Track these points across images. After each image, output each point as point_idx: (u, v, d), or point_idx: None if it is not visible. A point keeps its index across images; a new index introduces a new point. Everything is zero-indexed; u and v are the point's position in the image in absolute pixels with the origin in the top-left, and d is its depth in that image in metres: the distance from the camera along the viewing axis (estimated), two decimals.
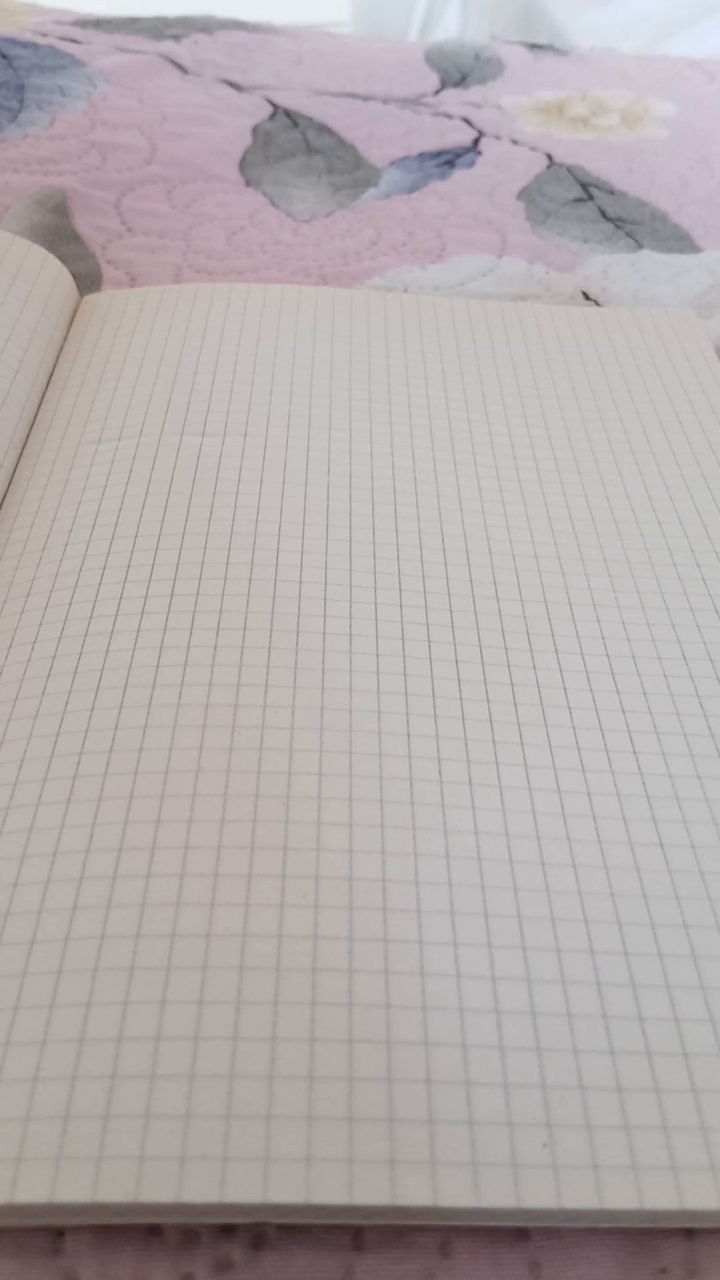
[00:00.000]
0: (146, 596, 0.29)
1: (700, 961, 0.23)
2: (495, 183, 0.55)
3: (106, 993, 0.22)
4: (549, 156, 0.58)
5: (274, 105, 0.60)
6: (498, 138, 0.59)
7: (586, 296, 0.48)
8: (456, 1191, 0.20)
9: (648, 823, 0.26)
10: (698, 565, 0.33)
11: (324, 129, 0.59)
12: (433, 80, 0.65)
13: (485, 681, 0.29)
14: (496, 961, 0.23)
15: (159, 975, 0.22)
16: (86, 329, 0.41)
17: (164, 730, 0.26)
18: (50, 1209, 0.20)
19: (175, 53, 0.65)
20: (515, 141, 0.59)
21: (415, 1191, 0.20)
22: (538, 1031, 0.22)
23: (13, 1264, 0.20)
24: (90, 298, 0.44)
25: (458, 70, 0.67)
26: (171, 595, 0.30)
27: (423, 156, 0.57)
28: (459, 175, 0.56)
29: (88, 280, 0.46)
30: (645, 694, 0.29)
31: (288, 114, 0.60)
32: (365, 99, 0.62)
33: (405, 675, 0.28)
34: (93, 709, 0.27)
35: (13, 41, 0.63)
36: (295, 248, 0.49)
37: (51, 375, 0.40)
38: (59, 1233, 0.21)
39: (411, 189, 0.54)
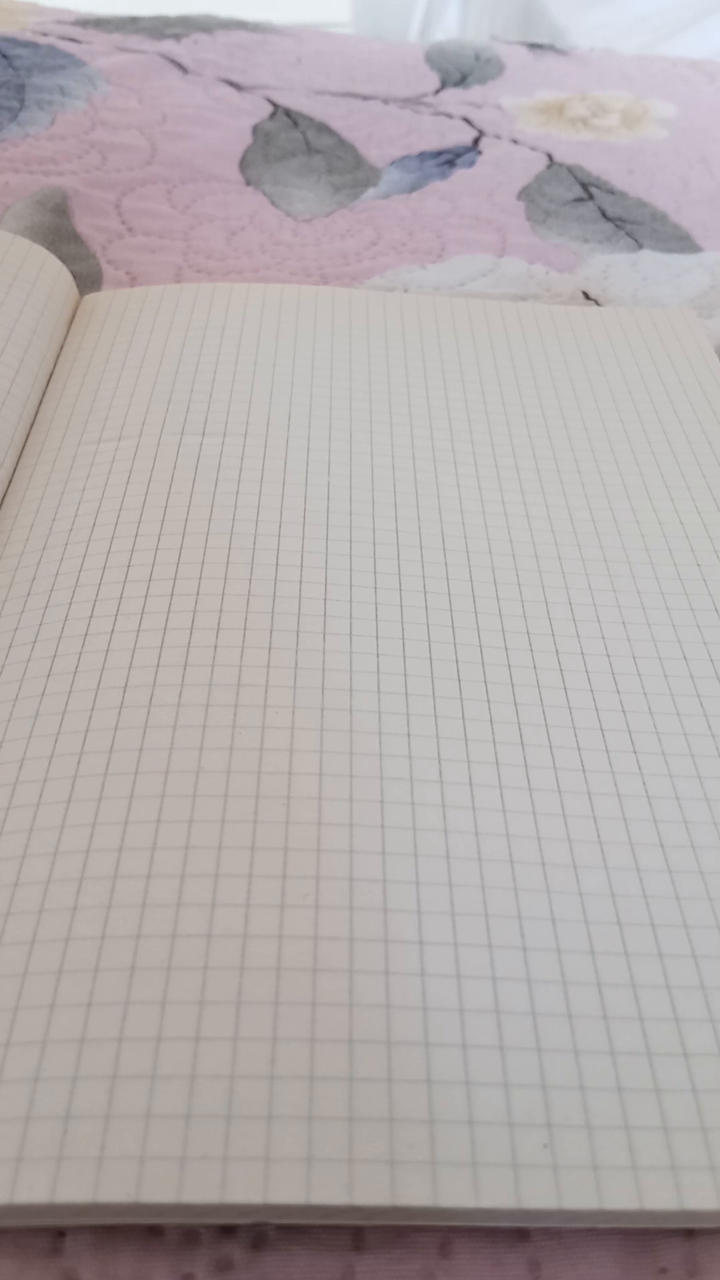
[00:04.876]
0: (146, 596, 0.29)
1: (700, 961, 0.23)
2: (495, 183, 0.55)
3: (107, 993, 0.22)
4: (549, 156, 0.58)
5: (274, 105, 0.60)
6: (498, 137, 0.59)
7: (586, 296, 0.48)
8: (456, 1192, 0.20)
9: (648, 823, 0.26)
10: (698, 565, 0.33)
11: (324, 129, 0.59)
12: (433, 80, 0.65)
13: (485, 681, 0.29)
14: (497, 962, 0.23)
15: (159, 975, 0.22)
16: (86, 329, 0.41)
17: (164, 730, 0.26)
18: (50, 1209, 0.20)
19: (175, 52, 0.65)
20: (515, 141, 0.59)
21: (415, 1192, 0.20)
22: (538, 1032, 0.22)
23: (13, 1264, 0.20)
24: (90, 297, 0.44)
25: (458, 70, 0.67)
26: (171, 595, 0.30)
27: (423, 156, 0.57)
28: (459, 175, 0.56)
29: (88, 280, 0.46)
30: (645, 694, 0.29)
31: (288, 114, 0.60)
32: (365, 99, 0.62)
33: (405, 675, 0.28)
34: (93, 709, 0.27)
35: (13, 41, 0.63)
36: (295, 248, 0.49)
37: (51, 375, 0.40)
38: (59, 1233, 0.21)
39: (411, 189, 0.54)
